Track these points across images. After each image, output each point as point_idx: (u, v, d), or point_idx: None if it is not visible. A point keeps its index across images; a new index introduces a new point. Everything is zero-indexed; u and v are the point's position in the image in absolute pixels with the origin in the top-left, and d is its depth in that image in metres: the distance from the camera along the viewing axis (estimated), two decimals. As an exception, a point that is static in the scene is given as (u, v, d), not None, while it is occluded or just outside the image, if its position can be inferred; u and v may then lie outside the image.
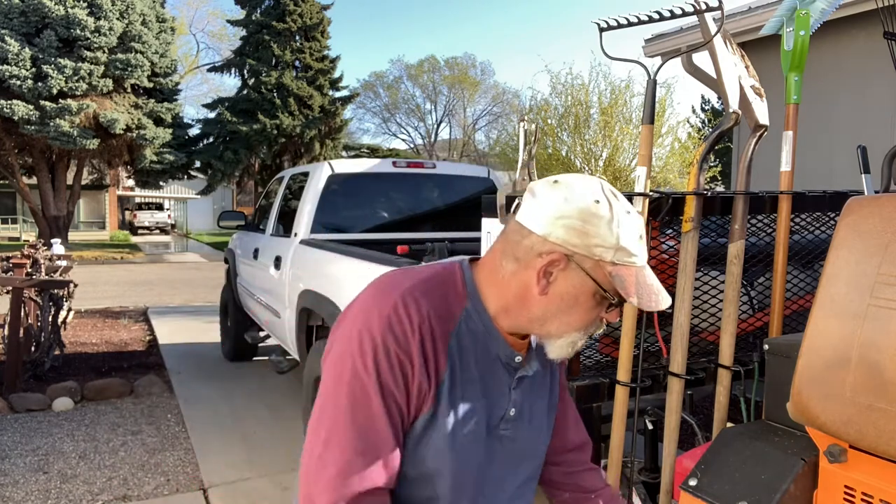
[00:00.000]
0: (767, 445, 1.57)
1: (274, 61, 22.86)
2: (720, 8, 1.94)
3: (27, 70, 16.60)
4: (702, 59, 2.22)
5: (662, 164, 12.64)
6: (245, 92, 23.06)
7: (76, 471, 3.66)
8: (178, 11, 32.74)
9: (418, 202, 4.79)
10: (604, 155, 12.38)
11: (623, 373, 2.00)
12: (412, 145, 40.52)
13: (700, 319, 2.21)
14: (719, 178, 13.26)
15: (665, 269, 2.14)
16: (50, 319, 5.42)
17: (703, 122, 19.87)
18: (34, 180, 20.05)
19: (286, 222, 4.64)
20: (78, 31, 16.96)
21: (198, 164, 22.91)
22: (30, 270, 5.28)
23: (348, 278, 3.37)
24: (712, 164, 12.00)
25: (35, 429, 4.26)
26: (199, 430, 4.32)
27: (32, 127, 16.70)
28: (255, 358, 6.15)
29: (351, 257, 3.40)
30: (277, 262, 4.39)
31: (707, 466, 1.62)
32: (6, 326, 5.03)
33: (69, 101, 16.89)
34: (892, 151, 1.97)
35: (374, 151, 28.60)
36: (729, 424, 1.99)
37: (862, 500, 1.36)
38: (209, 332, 7.35)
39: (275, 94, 22.12)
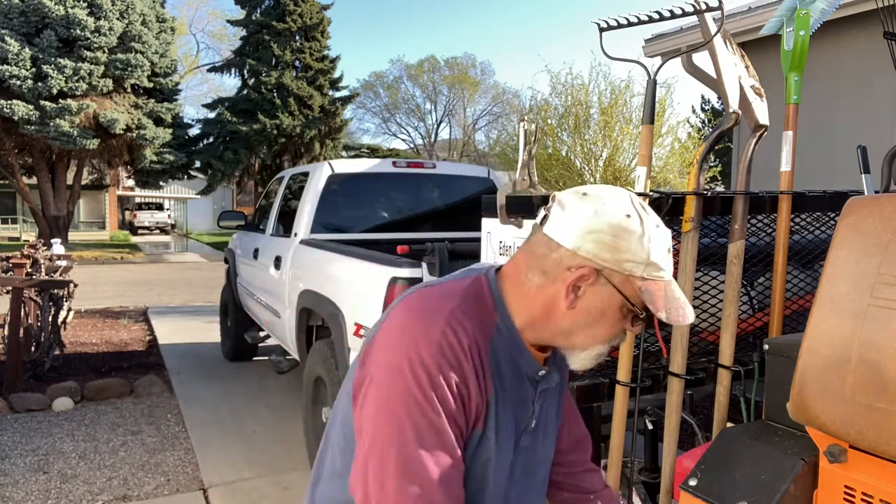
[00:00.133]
0: (767, 445, 1.57)
1: (274, 61, 22.86)
2: (720, 8, 1.94)
3: (27, 70, 16.61)
4: (702, 59, 2.22)
5: (662, 164, 12.62)
6: (245, 92, 23.07)
7: (76, 471, 3.66)
8: (178, 11, 32.77)
9: (418, 202, 4.79)
10: (604, 155, 12.35)
11: (623, 373, 2.00)
12: (412, 145, 40.52)
13: (700, 319, 2.21)
14: (719, 178, 13.23)
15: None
16: (50, 319, 5.43)
17: (703, 122, 19.83)
18: (34, 180, 20.06)
19: (286, 222, 4.64)
20: (78, 31, 16.97)
21: (198, 164, 22.92)
22: (30, 270, 5.28)
23: (348, 278, 3.37)
24: (712, 164, 11.98)
25: (35, 429, 4.26)
26: (199, 430, 4.32)
27: (32, 127, 16.71)
28: (255, 358, 6.15)
29: (351, 257, 3.40)
30: (277, 262, 4.39)
31: (707, 466, 1.62)
32: (6, 326, 5.03)
33: (69, 101, 16.90)
34: (892, 151, 1.97)
35: (374, 151, 28.59)
36: (729, 424, 1.98)
37: (862, 500, 1.36)
38: (209, 332, 7.35)
39: (275, 94, 22.12)
